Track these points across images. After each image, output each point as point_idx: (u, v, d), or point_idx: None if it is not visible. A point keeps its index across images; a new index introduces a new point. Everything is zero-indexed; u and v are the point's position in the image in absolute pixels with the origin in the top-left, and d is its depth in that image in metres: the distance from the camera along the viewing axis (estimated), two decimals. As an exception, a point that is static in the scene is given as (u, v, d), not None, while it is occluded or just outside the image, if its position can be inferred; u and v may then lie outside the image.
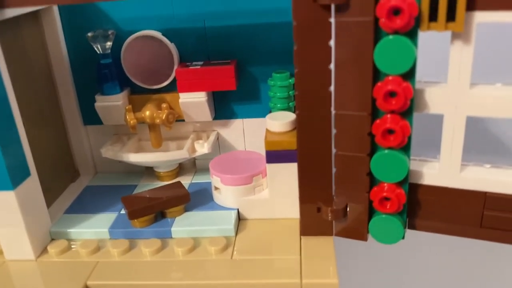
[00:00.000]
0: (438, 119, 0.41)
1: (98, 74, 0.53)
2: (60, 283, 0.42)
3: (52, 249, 0.46)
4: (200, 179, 0.56)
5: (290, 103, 0.51)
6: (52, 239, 0.48)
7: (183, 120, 0.55)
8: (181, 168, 0.58)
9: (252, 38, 0.52)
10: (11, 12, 0.43)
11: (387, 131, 0.39)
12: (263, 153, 0.46)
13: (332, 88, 0.39)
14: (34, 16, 0.51)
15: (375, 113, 0.39)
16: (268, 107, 0.53)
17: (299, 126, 0.42)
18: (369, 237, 0.44)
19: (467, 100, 0.38)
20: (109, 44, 0.51)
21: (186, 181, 0.55)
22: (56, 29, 0.52)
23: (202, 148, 0.53)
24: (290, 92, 0.51)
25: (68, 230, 0.48)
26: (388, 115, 0.38)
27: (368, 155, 0.40)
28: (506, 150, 0.68)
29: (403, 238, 0.43)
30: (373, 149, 0.40)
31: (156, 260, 0.44)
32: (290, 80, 0.50)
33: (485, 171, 0.41)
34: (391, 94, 0.37)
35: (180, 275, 0.42)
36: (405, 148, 0.40)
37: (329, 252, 0.43)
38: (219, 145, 0.57)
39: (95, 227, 0.48)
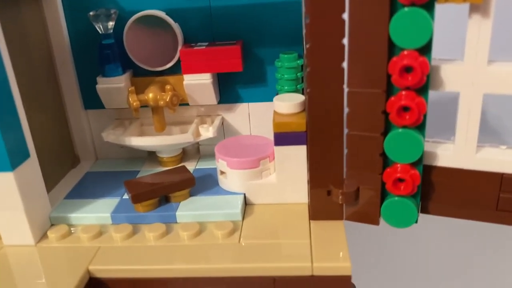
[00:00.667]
0: (448, 104, 0.39)
1: (100, 55, 0.51)
2: (61, 269, 0.41)
3: (52, 234, 0.44)
4: (204, 165, 0.55)
5: (298, 85, 0.50)
6: (52, 225, 0.46)
7: (187, 104, 0.54)
8: (185, 154, 0.56)
9: (259, 18, 0.50)
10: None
11: (402, 108, 0.37)
12: (270, 138, 0.45)
13: (345, 64, 0.38)
14: (33, -6, 0.49)
15: (389, 90, 0.37)
16: (274, 91, 0.52)
17: (309, 104, 0.40)
18: (381, 221, 0.43)
19: (484, 77, 0.37)
20: (111, 24, 0.50)
21: (190, 166, 0.54)
22: (56, 8, 0.50)
23: (207, 132, 0.52)
24: (298, 74, 0.49)
25: (69, 215, 0.46)
26: (403, 92, 0.37)
27: (381, 134, 0.39)
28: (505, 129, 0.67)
29: (416, 222, 0.41)
30: (387, 128, 0.39)
31: (161, 245, 0.42)
32: (298, 61, 0.49)
33: (501, 152, 0.40)
34: (407, 69, 0.36)
35: (186, 259, 0.40)
36: (420, 127, 0.38)
37: (340, 236, 0.41)
38: (224, 130, 0.56)
39: (96, 212, 0.46)
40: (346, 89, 0.39)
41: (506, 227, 0.41)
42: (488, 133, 0.68)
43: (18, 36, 0.47)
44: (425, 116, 0.38)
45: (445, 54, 0.39)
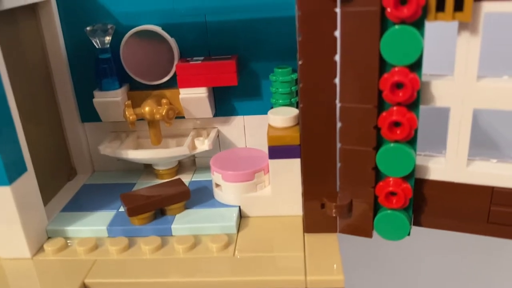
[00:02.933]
0: (440, 116, 0.40)
1: (97, 69, 0.52)
2: (57, 282, 0.41)
3: (49, 247, 0.45)
4: (200, 177, 0.55)
5: (292, 99, 0.50)
6: (49, 237, 0.47)
7: (183, 117, 0.54)
8: (181, 166, 0.57)
9: (254, 33, 0.51)
10: (7, 4, 0.42)
11: (394, 123, 0.38)
12: (264, 150, 0.46)
13: (337, 80, 0.39)
14: (31, 8, 0.50)
15: (381, 105, 0.38)
16: (269, 104, 0.53)
17: (303, 119, 0.41)
18: (374, 234, 0.43)
19: (474, 92, 0.37)
20: (108, 38, 0.50)
21: (185, 179, 0.54)
22: (53, 23, 0.51)
23: (203, 144, 0.52)
24: (292, 88, 0.50)
25: (65, 228, 0.46)
26: (395, 108, 0.38)
27: (374, 149, 0.40)
28: (509, 145, 0.68)
29: (408, 234, 0.42)
30: (379, 143, 0.40)
31: (156, 258, 0.43)
32: (292, 75, 0.50)
33: (492, 165, 0.40)
34: (398, 85, 0.37)
35: (181, 273, 0.40)
36: (412, 141, 0.39)
37: (334, 249, 0.42)
38: (220, 143, 0.56)
39: (92, 225, 0.47)
40: (338, 104, 0.39)
41: (497, 240, 0.42)
42: (487, 145, 0.69)
43: (16, 50, 0.47)
44: (416, 131, 0.38)
45: (436, 68, 0.40)
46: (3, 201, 0.42)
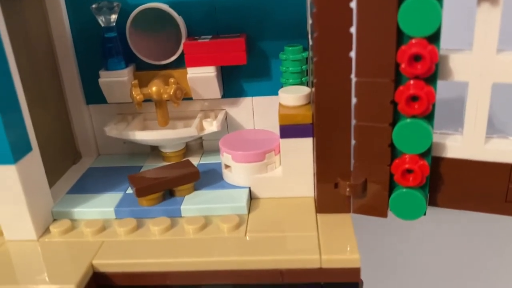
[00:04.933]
0: (455, 94, 0.39)
1: (103, 48, 0.50)
2: (64, 263, 0.40)
3: (55, 228, 0.44)
4: (208, 160, 0.54)
5: (303, 78, 0.49)
6: (55, 219, 0.46)
7: (191, 99, 0.53)
8: (188, 149, 0.56)
9: (262, 10, 0.50)
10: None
11: (411, 98, 0.37)
12: (274, 132, 0.44)
13: (353, 53, 0.38)
14: (35, -13, 0.49)
15: (398, 79, 0.37)
16: (278, 85, 0.51)
17: (316, 95, 0.40)
18: (389, 213, 0.42)
19: (493, 66, 0.36)
20: (114, 16, 0.49)
21: (193, 161, 0.52)
22: (58, 1, 0.50)
23: (211, 126, 0.51)
24: (303, 67, 0.49)
25: (72, 210, 0.45)
26: (412, 81, 0.36)
27: (390, 125, 0.38)
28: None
29: (424, 214, 0.41)
30: (395, 118, 0.38)
31: (166, 239, 0.42)
32: (303, 54, 0.48)
33: (510, 143, 0.39)
34: (416, 58, 0.35)
35: (192, 253, 0.39)
36: (429, 117, 0.38)
37: (348, 229, 0.41)
38: (228, 125, 0.55)
39: (100, 207, 0.46)
40: (354, 79, 0.38)
41: (515, 219, 0.41)
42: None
43: (20, 30, 0.46)
44: (433, 106, 0.37)
45: (453, 44, 0.39)
46: (9, 180, 0.41)
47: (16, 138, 0.41)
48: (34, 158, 0.43)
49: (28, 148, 0.43)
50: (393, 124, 0.38)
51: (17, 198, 0.41)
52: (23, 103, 0.42)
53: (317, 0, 0.36)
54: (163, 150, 0.54)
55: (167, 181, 0.45)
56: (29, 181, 0.42)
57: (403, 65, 0.36)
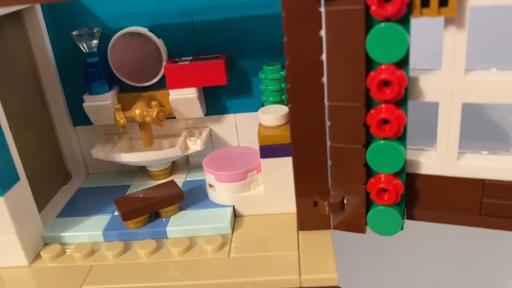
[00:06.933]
0: (433, 107, 0.40)
1: (86, 73, 0.51)
2: (55, 289, 0.42)
3: (46, 254, 0.45)
4: (194, 176, 0.55)
5: (283, 96, 0.50)
6: (45, 244, 0.47)
7: (175, 117, 0.54)
8: (175, 166, 0.57)
9: (241, 31, 0.51)
10: (-9, 13, 0.42)
11: (382, 121, 0.38)
12: (257, 147, 0.46)
13: (324, 79, 0.38)
14: (16, 16, 0.49)
15: (369, 103, 0.38)
16: (260, 101, 0.52)
17: (292, 119, 0.41)
18: (368, 229, 0.43)
19: (462, 86, 0.37)
20: (95, 42, 0.50)
21: (180, 179, 0.54)
22: (40, 29, 0.50)
23: (195, 145, 0.52)
24: (282, 85, 0.50)
25: (61, 234, 0.47)
26: (383, 105, 0.37)
27: (363, 146, 0.40)
28: (504, 136, 0.68)
29: (401, 229, 0.42)
30: (368, 140, 0.40)
31: (152, 262, 0.43)
32: (281, 73, 0.49)
33: (482, 158, 0.40)
34: (385, 83, 0.36)
35: (177, 276, 0.41)
36: (401, 137, 0.39)
37: (328, 246, 0.42)
38: (212, 141, 0.56)
39: (88, 230, 0.47)
40: (327, 103, 0.39)
41: (490, 231, 0.42)
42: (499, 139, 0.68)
43: (2, 57, 0.47)
44: (405, 127, 0.38)
45: (426, 59, 0.40)
46: (-3, 212, 0.42)
47: (3, 170, 0.42)
48: (22, 187, 0.44)
49: (16, 178, 0.44)
50: (366, 145, 0.40)
51: (7, 228, 0.43)
52: (8, 133, 0.43)
53: (287, 29, 0.37)
54: (150, 169, 0.55)
55: (152, 204, 0.46)
56: (18, 211, 0.43)
57: (372, 91, 0.37)
